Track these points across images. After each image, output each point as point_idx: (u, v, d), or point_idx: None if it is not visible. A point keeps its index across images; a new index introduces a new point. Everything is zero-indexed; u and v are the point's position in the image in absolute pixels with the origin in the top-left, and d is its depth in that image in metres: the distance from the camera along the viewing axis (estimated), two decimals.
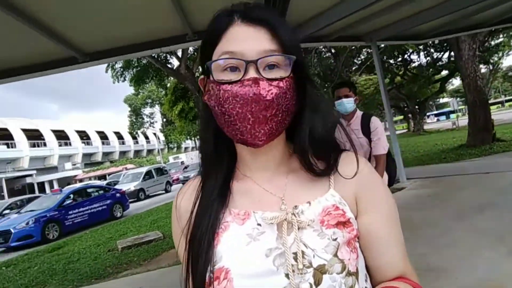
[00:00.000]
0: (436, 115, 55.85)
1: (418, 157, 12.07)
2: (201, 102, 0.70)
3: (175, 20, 4.41)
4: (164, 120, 50.25)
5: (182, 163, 35.99)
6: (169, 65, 12.40)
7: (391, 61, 23.97)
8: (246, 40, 0.63)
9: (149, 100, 49.58)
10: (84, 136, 49.21)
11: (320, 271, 0.60)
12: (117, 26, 4.44)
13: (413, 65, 25.87)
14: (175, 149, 60.00)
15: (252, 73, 0.61)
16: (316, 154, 0.69)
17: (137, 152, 59.70)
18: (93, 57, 5.07)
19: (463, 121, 20.53)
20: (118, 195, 13.94)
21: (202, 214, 0.68)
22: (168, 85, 15.52)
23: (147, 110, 52.51)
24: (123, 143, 57.55)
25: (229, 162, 0.73)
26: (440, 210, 4.91)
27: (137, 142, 60.51)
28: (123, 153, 56.48)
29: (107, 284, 4.93)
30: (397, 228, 0.71)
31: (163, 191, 21.16)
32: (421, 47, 21.62)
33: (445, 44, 19.13)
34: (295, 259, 0.60)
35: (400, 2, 5.11)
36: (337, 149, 0.72)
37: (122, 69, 14.26)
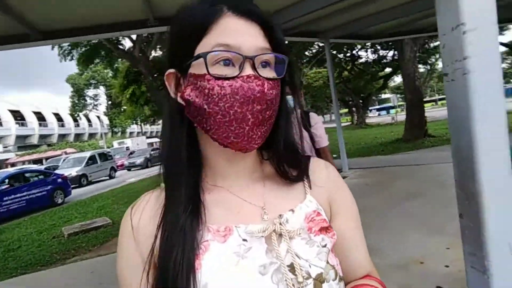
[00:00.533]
0: (378, 109, 58.71)
1: (359, 149, 12.92)
2: (169, 101, 0.61)
3: (137, 4, 4.41)
4: (110, 103, 48.14)
5: (128, 148, 34.78)
6: (120, 46, 12.01)
7: (340, 56, 24.94)
8: (243, 35, 0.57)
9: (94, 81, 47.16)
10: (18, 116, 45.62)
11: (319, 281, 0.57)
12: (75, 5, 4.33)
13: (361, 61, 27.16)
14: (120, 133, 57.76)
15: (248, 70, 0.56)
16: (288, 161, 0.66)
17: (78, 136, 56.58)
18: (47, 36, 4.90)
19: (402, 116, 22.04)
20: (59, 180, 13.22)
21: (175, 235, 0.56)
22: (116, 66, 14.98)
23: (90, 92, 49.91)
24: (63, 125, 54.24)
25: (197, 171, 0.63)
26: (377, 197, 5.47)
27: (78, 125, 57.27)
28: (62, 136, 53.24)
29: (55, 270, 4.85)
30: (361, 228, 0.72)
31: (107, 177, 20.40)
32: (368, 44, 22.77)
33: (391, 44, 20.36)
34: (292, 272, 0.56)
35: (354, 5, 5.51)
36: (304, 155, 0.70)
37: (70, 48, 13.52)
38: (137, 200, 0.66)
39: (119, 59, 14.49)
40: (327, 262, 0.59)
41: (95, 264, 4.74)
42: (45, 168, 19.23)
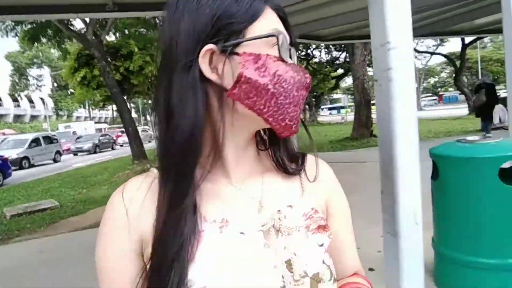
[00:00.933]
0: (329, 108, 60.74)
1: (309, 146, 13.47)
2: (194, 77, 0.55)
3: None
4: (55, 84, 45.51)
5: (74, 133, 33.24)
6: (71, 27, 11.49)
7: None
8: (282, 26, 0.59)
9: (37, 61, 44.29)
10: None
11: (315, 280, 0.56)
12: None
13: (315, 60, 28.00)
14: (66, 117, 54.84)
15: (290, 59, 0.59)
16: (286, 154, 0.67)
17: (18, 117, 52.80)
18: None
19: (351, 116, 23.15)
20: None
21: (172, 225, 0.54)
22: (64, 47, 14.26)
23: (34, 71, 46.85)
24: (1, 105, 50.43)
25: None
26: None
27: (18, 106, 53.53)
28: None
29: None
30: (352, 229, 0.74)
31: (51, 161, 19.61)
32: (323, 45, 23.56)
33: (343, 46, 21.25)
34: (289, 269, 0.55)
35: (307, 8, 5.79)
36: (299, 152, 0.70)
37: (14, 24, 12.65)
38: (124, 186, 0.61)
39: (67, 40, 13.83)
40: (323, 262, 0.59)
41: (43, 244, 4.67)
42: None
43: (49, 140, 20.13)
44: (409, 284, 1.06)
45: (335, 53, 26.16)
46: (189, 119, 0.54)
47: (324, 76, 28.86)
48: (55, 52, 36.28)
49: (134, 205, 0.58)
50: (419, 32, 9.04)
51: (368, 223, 4.17)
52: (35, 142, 18.73)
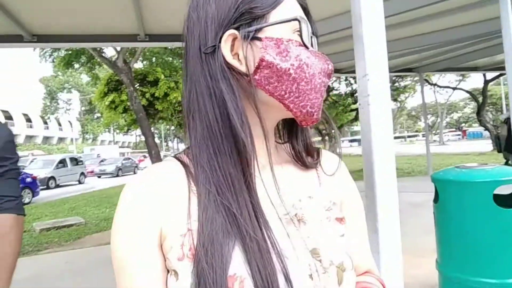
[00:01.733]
0: (350, 140, 60.52)
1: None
2: (220, 61, 0.55)
3: (131, 20, 4.80)
4: (83, 108, 47.42)
5: (99, 155, 34.29)
6: (103, 54, 12.28)
7: None
8: (303, 14, 0.59)
9: (68, 85, 46.44)
10: None
11: (341, 269, 0.56)
12: (71, 13, 4.61)
13: (335, 92, 28.37)
14: (91, 140, 56.63)
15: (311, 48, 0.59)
16: (303, 147, 0.67)
17: (47, 139, 55.02)
18: (41, 39, 5.17)
19: None
20: (28, 179, 13.15)
21: (217, 216, 0.52)
22: (93, 72, 15.13)
23: (64, 96, 49.01)
24: (31, 126, 52.70)
25: None
26: None
27: (47, 128, 55.84)
28: (29, 138, 51.59)
29: (28, 259, 5.03)
30: (366, 225, 0.74)
31: (76, 182, 20.25)
32: (343, 77, 23.99)
33: None
34: (316, 257, 0.54)
35: (326, 42, 6.13)
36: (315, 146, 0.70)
37: (51, 50, 13.65)
38: (140, 176, 0.58)
39: (98, 66, 14.70)
40: (345, 252, 0.59)
41: (70, 255, 4.97)
42: None
43: (75, 161, 20.87)
44: (389, 273, 1.27)
45: (355, 86, 26.43)
46: (230, 102, 0.54)
47: (344, 108, 29.10)
48: (84, 78, 38.07)
49: (153, 192, 0.55)
50: (437, 67, 9.29)
51: None
52: (62, 163, 19.48)
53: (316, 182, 0.66)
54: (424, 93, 10.05)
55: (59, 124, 57.35)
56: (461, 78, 34.64)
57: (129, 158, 28.26)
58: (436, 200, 2.67)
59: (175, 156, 0.62)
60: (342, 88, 26.42)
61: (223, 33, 0.55)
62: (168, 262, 0.53)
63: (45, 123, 54.35)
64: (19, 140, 48.26)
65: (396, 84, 24.83)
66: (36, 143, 49.29)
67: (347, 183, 0.71)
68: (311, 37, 0.60)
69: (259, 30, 0.55)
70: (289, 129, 0.67)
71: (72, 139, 50.03)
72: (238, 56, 0.56)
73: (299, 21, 0.56)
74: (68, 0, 4.23)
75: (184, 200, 0.55)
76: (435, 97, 44.84)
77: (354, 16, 1.30)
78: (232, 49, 0.56)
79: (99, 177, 23.83)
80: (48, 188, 17.45)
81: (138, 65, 16.22)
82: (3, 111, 47.38)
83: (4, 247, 1.21)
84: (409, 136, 64.32)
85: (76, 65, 14.44)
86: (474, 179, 2.39)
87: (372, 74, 1.22)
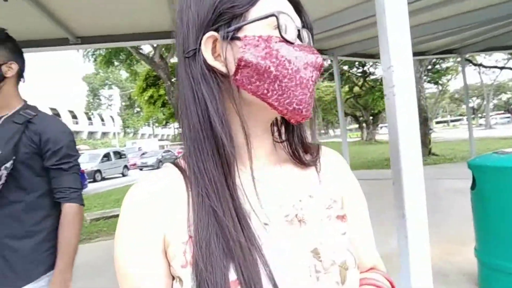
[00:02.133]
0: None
1: (364, 162, 13.38)
2: (201, 65, 0.55)
3: (165, 19, 4.98)
4: (123, 104, 49.31)
5: (140, 149, 35.66)
6: (141, 51, 12.74)
7: (353, 70, 25.35)
8: (290, 9, 0.58)
9: (109, 82, 48.36)
10: None
11: (343, 268, 0.56)
12: (111, 14, 4.88)
13: (372, 77, 27.60)
14: (132, 134, 58.88)
15: (298, 41, 0.57)
16: (301, 145, 0.66)
17: (91, 134, 57.86)
18: (84, 41, 5.47)
19: None
20: None
21: (210, 219, 0.52)
22: (132, 69, 15.72)
23: (105, 92, 51.11)
24: (77, 123, 55.58)
25: None
26: (374, 204, 5.97)
27: (91, 123, 58.65)
28: (76, 133, 54.58)
29: (83, 247, 5.44)
30: (369, 221, 0.72)
31: (120, 175, 21.26)
32: (379, 62, 23.25)
33: None
34: (317, 257, 0.54)
35: (360, 27, 6.03)
36: (314, 143, 0.69)
37: (93, 50, 14.39)
38: (142, 181, 0.58)
39: (137, 62, 15.28)
40: (347, 250, 0.58)
41: None
42: None
43: (118, 155, 21.90)
44: (416, 256, 1.32)
45: None
46: (211, 106, 0.54)
47: (381, 93, 28.25)
48: (123, 74, 39.52)
49: (154, 199, 0.55)
50: (480, 46, 8.84)
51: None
52: (106, 157, 20.52)
53: (316, 180, 0.65)
54: (466, 74, 9.60)
55: (102, 120, 60.03)
56: (509, 56, 32.55)
57: (168, 151, 29.11)
58: (473, 187, 2.64)
59: (173, 163, 0.62)
60: (378, 72, 25.63)
61: (203, 35, 0.55)
62: (173, 269, 0.53)
63: (89, 119, 57.08)
64: None
65: (437, 66, 23.70)
66: (82, 138, 51.97)
67: (347, 178, 0.70)
68: (299, 30, 0.58)
69: (238, 29, 0.54)
70: (286, 128, 0.67)
71: (114, 134, 52.24)
72: (221, 57, 0.55)
73: (276, 17, 0.54)
74: (108, 2, 4.47)
75: (184, 206, 0.55)
76: (480, 78, 42.44)
77: (378, 8, 1.34)
78: (214, 51, 0.55)
79: (141, 169, 24.78)
80: (94, 181, 18.45)
81: (175, 59, 16.63)
82: (51, 109, 50.25)
83: (69, 232, 1.39)
84: (452, 121, 61.53)
85: (116, 63, 15.09)
86: (511, 164, 2.34)
87: (396, 66, 1.26)
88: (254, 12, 0.54)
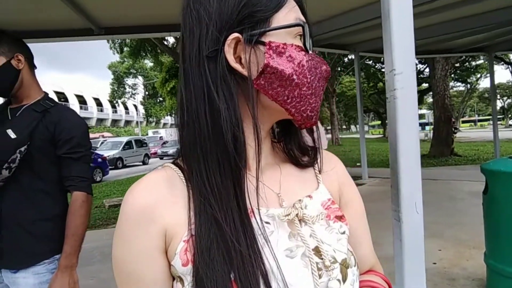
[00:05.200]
0: None
1: (385, 160, 13.16)
2: (223, 66, 0.54)
3: None
4: (146, 93, 50.09)
5: (161, 138, 36.25)
6: (165, 42, 12.90)
7: (377, 66, 24.87)
8: (303, 16, 0.59)
9: (133, 70, 49.12)
10: (62, 98, 48.30)
11: (344, 266, 0.57)
12: (135, 6, 4.96)
13: None
14: (154, 123, 59.86)
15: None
16: (297, 147, 0.68)
17: (115, 122, 59.25)
18: (108, 32, 5.61)
19: None
20: (99, 160, 14.41)
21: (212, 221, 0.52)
22: (161, 60, 15.97)
23: (130, 80, 51.99)
24: (101, 110, 56.98)
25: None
26: (388, 203, 5.89)
27: (115, 111, 59.98)
28: (100, 121, 55.99)
29: (100, 231, 5.74)
30: (367, 222, 0.73)
31: (141, 163, 21.71)
32: None
33: (423, 60, 20.33)
34: (318, 256, 0.55)
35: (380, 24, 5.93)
36: (311, 145, 0.70)
37: (120, 42, 14.69)
38: (142, 180, 0.58)
39: (162, 53, 15.50)
40: (348, 249, 0.60)
41: None
42: None
43: (140, 143, 22.35)
44: (410, 259, 1.33)
45: (419, 66, 24.90)
46: (226, 110, 0.53)
47: None
48: (147, 63, 40.06)
49: (155, 197, 0.55)
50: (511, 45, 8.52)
51: (427, 236, 4.17)
52: (128, 144, 20.97)
53: (314, 180, 0.67)
54: (498, 73, 9.29)
55: (126, 108, 61.33)
56: None
57: None
58: (485, 191, 2.59)
59: (173, 162, 0.62)
60: None
61: (227, 36, 0.53)
62: (173, 269, 0.53)
63: (113, 107, 58.41)
64: (91, 123, 52.54)
65: (466, 64, 22.96)
66: (106, 126, 53.30)
67: (345, 178, 0.72)
68: (311, 39, 0.59)
69: (262, 33, 0.54)
70: (283, 129, 0.67)
71: (137, 122, 53.27)
72: (241, 59, 0.54)
73: (302, 27, 0.56)
74: None
75: (185, 205, 0.55)
76: None
77: (384, 13, 1.35)
78: (234, 52, 0.54)
79: (161, 158, 25.16)
80: (116, 168, 18.91)
81: None
82: (77, 96, 51.72)
83: (77, 219, 1.46)
84: (479, 120, 59.53)
85: (143, 53, 15.37)
86: None
87: (398, 69, 1.27)
88: (277, 18, 0.55)
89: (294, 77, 0.54)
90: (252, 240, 0.52)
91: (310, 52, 0.58)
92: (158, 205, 0.54)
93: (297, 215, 0.57)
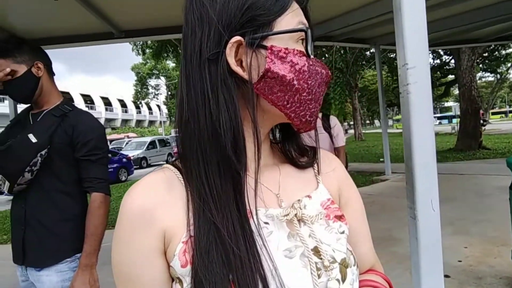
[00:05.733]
0: (438, 118, 55.87)
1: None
2: (224, 69, 0.53)
3: None
4: (169, 93, 50.81)
5: None
6: None
7: None
8: (306, 20, 0.58)
9: (155, 71, 49.88)
10: (88, 100, 49.76)
11: (344, 266, 0.57)
12: (153, 9, 5.04)
13: None
14: None
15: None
16: (296, 148, 0.68)
17: (139, 122, 60.50)
18: (128, 35, 5.73)
19: None
20: (124, 160, 14.79)
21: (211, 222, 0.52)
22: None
23: (152, 81, 52.81)
24: (126, 111, 58.26)
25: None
26: None
27: (139, 112, 61.21)
28: (125, 121, 57.30)
29: None
30: (367, 221, 0.73)
31: (164, 162, 21.81)
32: (430, 50, 22.08)
33: (448, 51, 19.68)
34: (317, 256, 0.55)
35: None
36: (310, 146, 0.70)
37: (141, 43, 15.00)
38: (140, 182, 0.57)
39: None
40: (347, 249, 0.60)
41: None
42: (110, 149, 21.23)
43: (163, 143, 22.73)
44: (427, 258, 1.30)
45: (445, 58, 24.13)
46: (226, 113, 0.52)
47: (433, 83, 26.79)
48: (169, 63, 40.61)
49: (154, 199, 0.55)
50: None
51: (452, 233, 4.12)
52: (152, 144, 21.40)
53: (313, 181, 0.67)
54: None
55: (149, 108, 62.49)
56: None
57: None
58: None
59: (172, 163, 0.62)
60: (430, 61, 24.28)
61: (229, 38, 0.53)
62: (172, 270, 0.53)
63: (137, 107, 59.62)
64: (117, 124, 53.85)
65: (496, 53, 22.09)
66: (130, 126, 54.49)
67: (344, 178, 0.72)
68: (312, 43, 0.59)
69: (264, 37, 0.54)
70: (282, 130, 0.68)
71: (160, 122, 54.17)
72: (241, 63, 0.54)
73: (305, 32, 0.56)
74: None
75: (183, 206, 0.55)
76: None
77: (395, 6, 1.31)
78: (235, 56, 0.54)
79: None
80: (141, 167, 19.25)
81: None
82: (103, 98, 53.07)
83: (95, 219, 1.51)
84: (510, 112, 57.26)
85: (165, 55, 15.63)
86: None
87: (411, 63, 1.24)
88: (280, 22, 0.54)
89: (295, 82, 0.54)
90: (251, 243, 0.51)
91: (312, 57, 0.58)
92: (156, 206, 0.54)
93: (296, 215, 0.57)
